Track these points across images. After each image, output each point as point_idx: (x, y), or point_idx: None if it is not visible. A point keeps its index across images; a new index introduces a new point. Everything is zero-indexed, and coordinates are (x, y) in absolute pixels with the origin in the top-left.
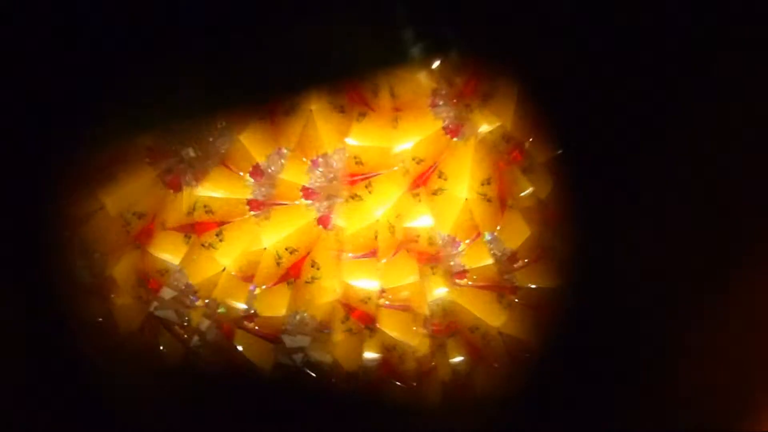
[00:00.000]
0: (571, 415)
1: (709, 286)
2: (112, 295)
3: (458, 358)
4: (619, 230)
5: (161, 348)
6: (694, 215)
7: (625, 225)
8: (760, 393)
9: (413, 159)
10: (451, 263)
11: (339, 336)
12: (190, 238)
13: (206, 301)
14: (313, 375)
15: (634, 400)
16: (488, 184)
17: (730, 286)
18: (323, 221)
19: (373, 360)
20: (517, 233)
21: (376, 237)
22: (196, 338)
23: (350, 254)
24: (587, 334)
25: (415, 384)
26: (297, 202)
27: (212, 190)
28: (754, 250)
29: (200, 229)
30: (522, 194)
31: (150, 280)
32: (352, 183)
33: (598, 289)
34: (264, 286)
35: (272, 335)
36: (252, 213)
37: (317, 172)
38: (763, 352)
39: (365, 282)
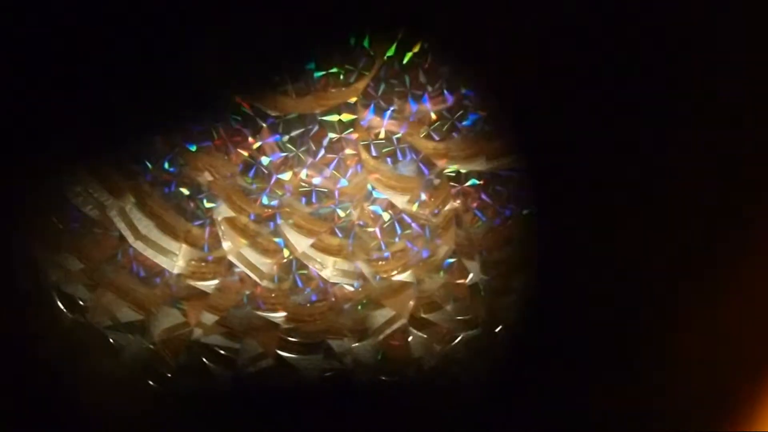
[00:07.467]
0: (570, 415)
1: (709, 285)
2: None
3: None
4: (618, 226)
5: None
6: (689, 210)
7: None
8: (761, 393)
9: None
10: None
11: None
12: None
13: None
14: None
15: (635, 401)
16: None
17: (730, 285)
18: None
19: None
20: None
21: None
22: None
23: None
24: (587, 335)
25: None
26: None
27: None
28: (754, 248)
29: None
30: None
31: None
32: None
33: (592, 288)
34: None
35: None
36: None
37: None
38: (764, 353)
39: None
